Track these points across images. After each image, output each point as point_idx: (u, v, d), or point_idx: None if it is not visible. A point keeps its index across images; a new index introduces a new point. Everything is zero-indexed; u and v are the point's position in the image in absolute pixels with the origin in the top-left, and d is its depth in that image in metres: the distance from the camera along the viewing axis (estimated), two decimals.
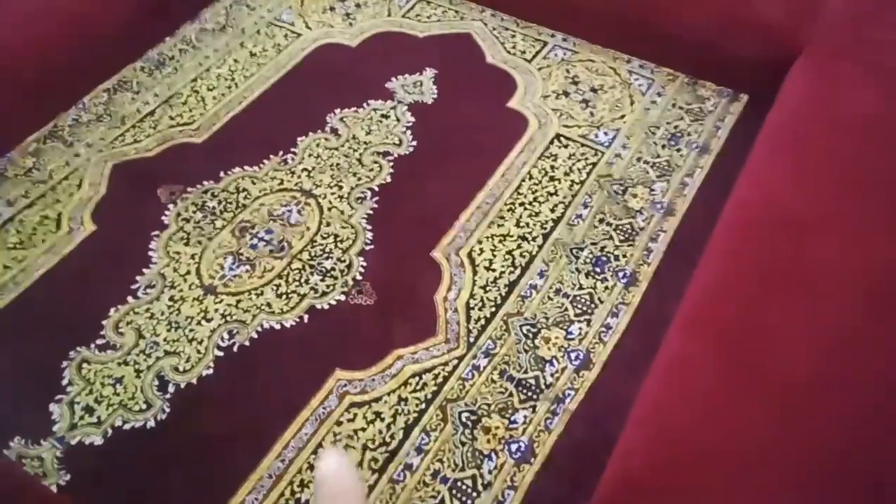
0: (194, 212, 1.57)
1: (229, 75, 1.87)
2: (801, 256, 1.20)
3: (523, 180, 1.62)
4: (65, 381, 1.33)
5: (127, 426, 1.27)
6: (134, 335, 1.38)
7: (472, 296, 1.43)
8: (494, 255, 1.49)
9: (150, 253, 1.51)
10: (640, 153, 1.66)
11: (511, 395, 1.29)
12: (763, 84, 1.69)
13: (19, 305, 1.43)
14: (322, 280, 1.45)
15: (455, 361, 1.34)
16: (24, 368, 1.35)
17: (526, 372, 1.32)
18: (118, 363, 1.35)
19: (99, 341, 1.38)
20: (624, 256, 1.48)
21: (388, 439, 1.25)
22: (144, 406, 1.29)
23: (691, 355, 1.12)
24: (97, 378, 1.33)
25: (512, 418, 1.26)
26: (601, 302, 1.41)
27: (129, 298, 1.44)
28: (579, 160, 1.65)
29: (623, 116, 1.74)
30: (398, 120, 1.75)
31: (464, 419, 1.27)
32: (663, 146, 1.68)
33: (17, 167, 1.67)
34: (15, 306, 1.43)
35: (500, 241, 1.51)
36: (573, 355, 1.34)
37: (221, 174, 1.65)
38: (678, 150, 1.66)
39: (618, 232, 1.52)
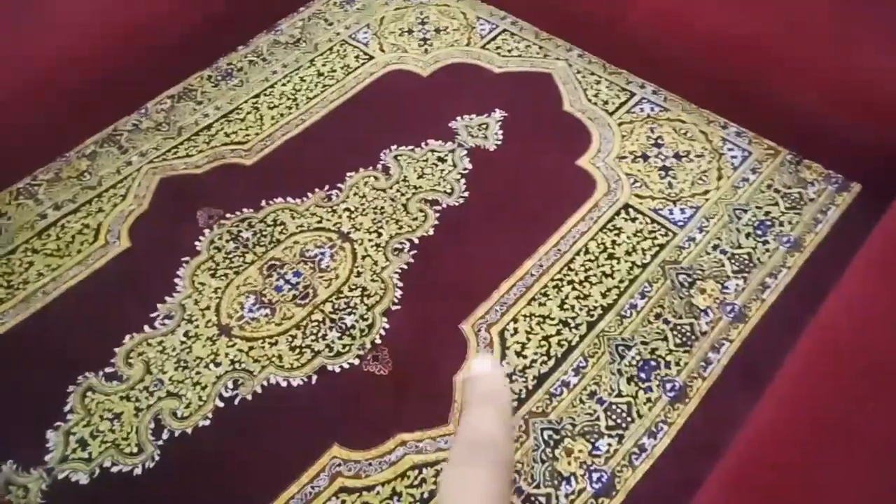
0: (228, 241, 1.51)
1: (292, 94, 1.80)
2: (886, 418, 0.99)
3: (578, 254, 1.45)
4: (67, 408, 1.30)
5: (115, 469, 1.23)
6: (142, 369, 1.34)
7: None
8: (529, 339, 1.34)
9: (176, 280, 1.46)
10: (719, 240, 1.45)
11: None
12: (881, 174, 1.45)
13: (42, 318, 1.42)
14: (340, 338, 1.36)
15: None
16: (34, 387, 1.33)
17: (538, 487, 1.17)
18: (121, 397, 1.31)
19: (108, 369, 1.34)
20: (676, 364, 1.29)
21: None
22: (136, 450, 1.24)
23: None
24: (97, 410, 1.29)
25: None
26: (640, 416, 1.23)
27: (146, 327, 1.40)
28: (646, 239, 1.46)
29: (707, 192, 1.53)
30: (454, 165, 1.62)
31: None
32: (748, 235, 1.45)
33: (72, 169, 1.67)
34: (39, 317, 1.42)
35: (539, 324, 1.36)
36: (595, 476, 1.17)
37: (263, 203, 1.58)
38: (764, 243, 1.44)
39: (675, 333, 1.33)
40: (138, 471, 1.22)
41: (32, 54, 1.59)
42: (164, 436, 1.26)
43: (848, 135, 1.45)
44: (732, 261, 1.42)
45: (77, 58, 1.61)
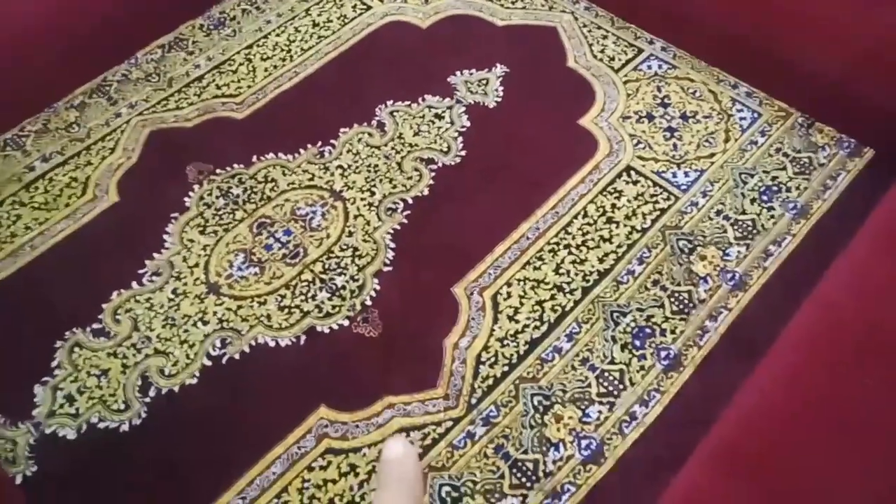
0: (217, 197, 1.48)
1: (286, 45, 1.74)
2: (884, 393, 0.96)
3: (576, 217, 1.41)
4: (54, 363, 1.29)
5: (101, 425, 1.22)
6: (129, 325, 1.32)
7: (485, 347, 1.26)
8: (522, 304, 1.31)
9: (165, 236, 1.43)
10: (722, 205, 1.40)
11: (502, 476, 1.14)
12: None
13: (30, 272, 1.40)
14: (329, 298, 1.33)
15: (449, 423, 1.19)
16: (21, 342, 1.32)
17: (525, 453, 1.16)
18: (108, 353, 1.30)
19: (95, 325, 1.33)
20: (672, 332, 1.26)
21: (357, 499, 1.13)
22: (123, 406, 1.24)
23: (711, 497, 0.92)
24: (85, 366, 1.28)
25: None
26: (632, 384, 1.21)
27: (134, 284, 1.37)
28: (647, 202, 1.42)
29: (712, 155, 1.47)
30: (452, 123, 1.56)
31: (443, 494, 1.13)
32: (752, 200, 1.41)
33: (60, 121, 1.63)
34: (26, 272, 1.40)
35: (533, 288, 1.33)
36: (584, 443, 1.16)
37: (254, 158, 1.54)
38: (769, 209, 1.39)
39: (672, 300, 1.30)
40: (125, 427, 1.22)
41: (21, 2, 1.53)
42: (151, 393, 1.25)
43: (867, 97, 1.39)
44: (735, 227, 1.38)
45: (68, 5, 1.55)
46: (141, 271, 1.39)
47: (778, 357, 1.10)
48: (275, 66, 1.70)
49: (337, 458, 1.17)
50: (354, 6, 1.81)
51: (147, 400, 1.24)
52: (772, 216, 1.38)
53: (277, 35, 1.76)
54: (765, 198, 1.41)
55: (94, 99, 1.67)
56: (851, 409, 0.96)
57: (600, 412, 1.19)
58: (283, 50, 1.73)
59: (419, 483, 0.59)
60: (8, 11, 1.54)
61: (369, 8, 1.80)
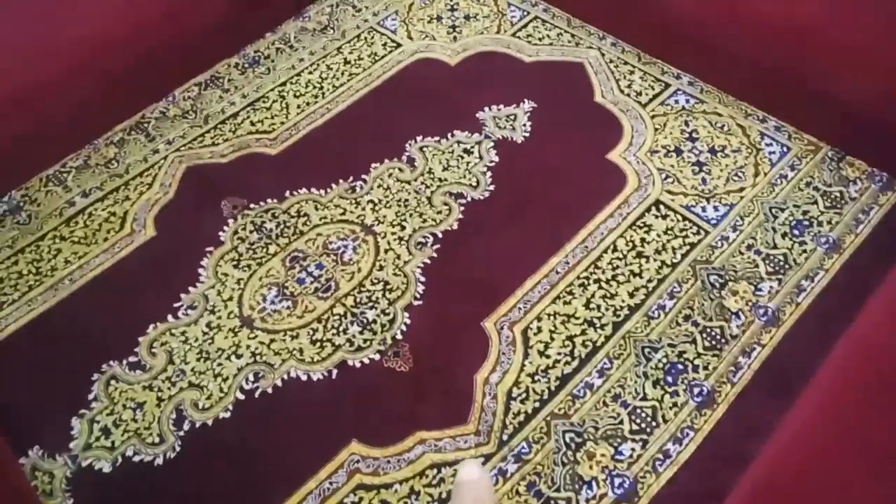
0: (251, 231, 1.51)
1: (318, 83, 1.78)
2: None
3: (605, 251, 1.41)
4: (91, 395, 1.31)
5: (136, 458, 1.24)
6: (165, 358, 1.35)
7: (516, 383, 1.26)
8: (553, 339, 1.31)
9: (200, 270, 1.46)
10: (753, 240, 1.40)
11: None
12: None
13: (69, 305, 1.44)
14: (361, 332, 1.35)
15: (481, 460, 1.19)
16: (59, 374, 1.35)
17: (558, 490, 1.15)
18: (143, 387, 1.32)
19: (131, 358, 1.35)
20: (705, 368, 1.25)
21: None
22: (157, 440, 1.25)
23: None
24: (121, 399, 1.31)
25: None
26: (665, 421, 1.20)
27: (170, 317, 1.40)
28: (676, 237, 1.42)
29: (742, 189, 1.47)
30: (480, 157, 1.59)
31: None
32: (784, 235, 1.40)
33: (100, 157, 1.68)
34: (65, 305, 1.44)
35: (563, 323, 1.33)
36: (617, 482, 1.15)
37: (287, 193, 1.57)
38: (801, 244, 1.38)
39: (704, 336, 1.29)
40: (159, 461, 1.23)
41: (65, 42, 1.58)
42: (186, 426, 1.26)
43: None
44: (767, 262, 1.37)
45: (110, 44, 1.60)
46: (176, 305, 1.42)
47: (815, 395, 1.08)
48: (307, 103, 1.74)
49: (368, 495, 1.17)
50: (385, 44, 1.85)
51: (181, 433, 1.26)
52: (804, 251, 1.37)
53: (310, 73, 1.81)
54: (796, 232, 1.40)
55: (132, 136, 1.72)
56: (891, 448, 0.94)
57: (633, 450, 1.18)
58: (315, 87, 1.77)
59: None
60: (50, 51, 1.59)
61: (399, 46, 1.84)
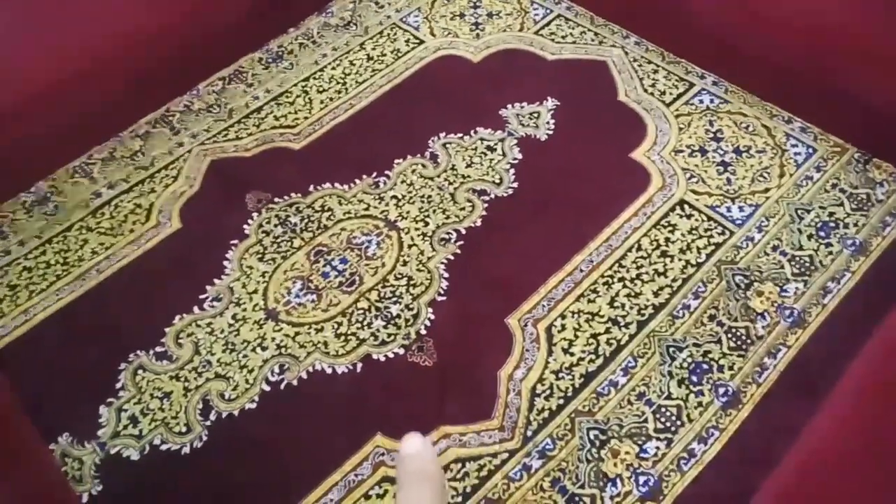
0: (276, 225, 1.52)
1: (342, 78, 1.79)
2: None
3: (630, 250, 1.41)
4: (119, 385, 1.33)
5: (164, 447, 1.25)
6: (191, 349, 1.36)
7: (541, 380, 1.27)
8: (577, 336, 1.31)
9: (225, 263, 1.47)
10: (779, 241, 1.40)
11: None
12: None
13: (96, 295, 1.45)
14: (385, 327, 1.35)
15: (505, 455, 1.19)
16: (87, 363, 1.36)
17: (582, 487, 1.15)
18: (170, 376, 1.33)
19: (158, 349, 1.37)
20: (730, 369, 1.25)
21: None
22: (184, 429, 1.27)
23: None
24: (148, 388, 1.32)
25: None
26: (690, 420, 1.20)
27: (196, 308, 1.41)
28: (701, 237, 1.42)
29: (767, 190, 1.47)
30: (504, 155, 1.59)
31: None
32: (810, 236, 1.40)
33: (125, 149, 1.69)
34: (93, 295, 1.45)
35: (587, 321, 1.33)
36: (642, 479, 1.15)
37: (311, 188, 1.58)
38: (827, 245, 1.38)
39: (729, 336, 1.29)
40: (186, 450, 1.24)
41: (93, 39, 1.59)
42: (212, 416, 1.28)
43: None
44: (792, 263, 1.37)
45: (137, 41, 1.61)
46: (202, 296, 1.43)
47: (842, 397, 1.08)
48: (331, 99, 1.75)
49: (394, 487, 1.18)
50: (407, 41, 1.86)
51: (208, 423, 1.27)
52: (830, 252, 1.37)
53: (333, 68, 1.81)
54: (822, 234, 1.40)
55: (157, 129, 1.73)
56: None
57: (658, 448, 1.18)
58: (338, 83, 1.78)
59: (440, 478, 0.60)
60: (79, 47, 1.61)
61: (422, 42, 1.85)
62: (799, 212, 1.43)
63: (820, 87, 1.49)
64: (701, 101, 1.64)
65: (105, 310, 1.43)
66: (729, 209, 1.45)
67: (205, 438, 1.25)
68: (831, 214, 1.42)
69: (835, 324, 1.29)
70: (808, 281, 1.34)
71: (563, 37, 1.81)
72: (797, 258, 1.37)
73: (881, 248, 1.37)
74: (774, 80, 1.58)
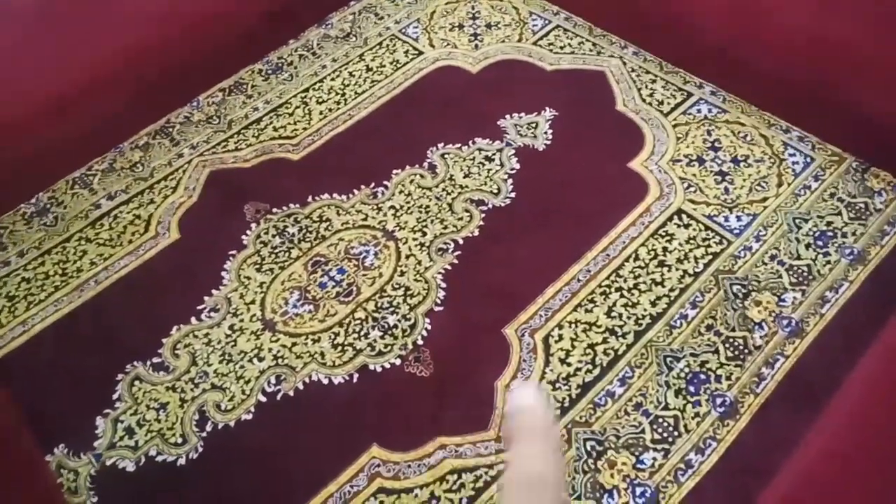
0: (274, 236, 1.52)
1: (341, 89, 1.80)
2: None
3: (627, 260, 1.41)
4: (116, 395, 1.33)
5: (160, 458, 1.25)
6: (188, 360, 1.36)
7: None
8: (574, 346, 1.31)
9: (223, 273, 1.48)
10: (777, 250, 1.39)
11: None
12: None
13: (94, 306, 1.45)
14: (382, 337, 1.35)
15: (501, 466, 1.19)
16: (84, 373, 1.36)
17: (579, 498, 1.14)
18: (167, 387, 1.33)
19: (155, 359, 1.37)
20: (728, 378, 1.24)
21: None
22: (180, 440, 1.26)
23: None
24: (144, 399, 1.32)
25: None
26: (687, 431, 1.20)
27: (193, 319, 1.42)
28: (699, 246, 1.41)
29: (765, 200, 1.47)
30: (502, 165, 1.59)
31: None
32: (807, 245, 1.39)
33: (125, 160, 1.70)
34: (91, 305, 1.46)
35: (584, 331, 1.33)
36: (639, 491, 1.14)
37: (309, 198, 1.58)
38: (825, 255, 1.37)
39: (727, 346, 1.28)
40: (182, 461, 1.24)
41: (94, 52, 1.61)
42: (209, 428, 1.27)
43: None
44: (790, 272, 1.36)
45: (138, 54, 1.63)
46: (200, 307, 1.43)
47: (842, 408, 1.07)
48: (330, 110, 1.76)
49: (389, 499, 1.17)
50: (406, 51, 1.87)
51: (204, 434, 1.27)
52: (828, 262, 1.37)
53: (332, 79, 1.82)
54: (820, 243, 1.39)
55: (157, 140, 1.74)
56: None
57: (655, 459, 1.17)
58: (337, 94, 1.79)
59: (557, 434, 0.55)
60: (80, 61, 1.62)
61: (420, 53, 1.86)
62: (797, 221, 1.43)
63: (818, 97, 1.49)
64: (699, 111, 1.64)
65: (103, 320, 1.44)
66: (727, 218, 1.45)
67: (201, 450, 1.25)
68: (829, 224, 1.42)
69: (833, 333, 1.28)
70: (806, 290, 1.33)
71: (561, 47, 1.82)
72: (795, 267, 1.37)
73: (879, 258, 1.36)
74: (773, 89, 1.58)
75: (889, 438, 0.97)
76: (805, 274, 1.35)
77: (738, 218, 1.45)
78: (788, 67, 1.49)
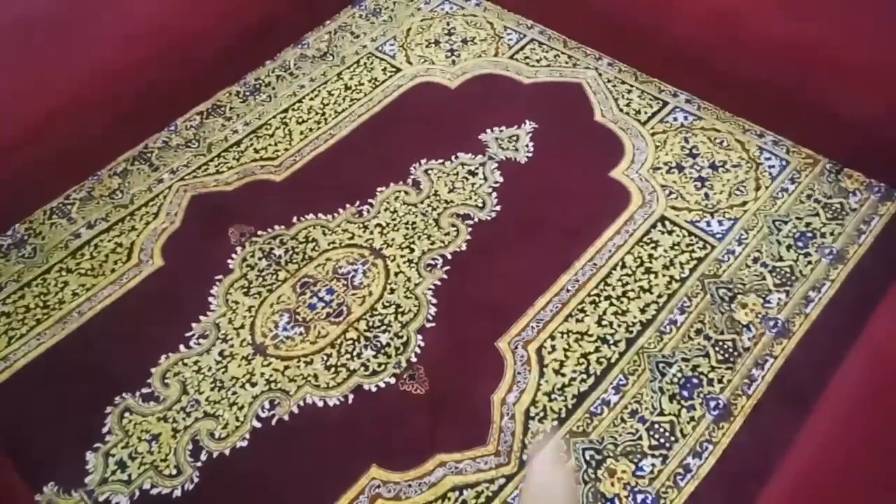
0: (260, 258, 1.51)
1: (320, 109, 1.80)
2: None
3: (614, 268, 1.43)
4: (105, 429, 1.30)
5: (154, 491, 1.22)
6: (178, 389, 1.34)
7: (534, 402, 1.27)
8: (567, 357, 1.32)
9: (210, 299, 1.46)
10: (759, 253, 1.42)
11: None
12: None
13: (79, 338, 1.43)
14: (375, 356, 1.35)
15: (502, 480, 1.19)
16: (72, 408, 1.33)
17: None
18: (158, 418, 1.31)
19: (144, 390, 1.34)
20: (719, 381, 1.26)
21: None
22: (175, 472, 1.24)
23: None
24: (135, 431, 1.29)
25: None
26: (683, 435, 1.21)
27: (181, 347, 1.39)
28: (683, 252, 1.44)
29: (745, 203, 1.50)
30: (485, 179, 1.60)
31: None
32: (788, 247, 1.42)
33: (104, 188, 1.68)
34: (75, 338, 1.43)
35: (577, 341, 1.34)
36: (640, 498, 1.15)
37: (294, 219, 1.57)
38: (806, 255, 1.41)
39: (717, 349, 1.30)
40: (177, 493, 1.22)
41: (68, 77, 1.59)
42: (203, 457, 1.25)
43: None
44: (774, 274, 1.39)
45: (113, 78, 1.62)
46: (188, 334, 1.41)
47: (831, 406, 1.10)
48: (310, 129, 1.75)
49: None
50: (384, 69, 1.87)
51: (199, 464, 1.25)
52: (809, 262, 1.40)
53: (311, 99, 1.82)
54: (800, 244, 1.43)
55: (136, 166, 1.72)
56: None
57: (653, 465, 1.18)
58: (317, 113, 1.79)
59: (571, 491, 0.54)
60: (53, 86, 1.59)
61: (398, 70, 1.86)
62: (776, 223, 1.46)
63: (791, 102, 1.53)
64: (675, 119, 1.67)
65: (88, 353, 1.41)
66: (709, 223, 1.48)
67: (196, 480, 1.23)
68: (808, 224, 1.45)
69: (819, 332, 1.31)
70: (790, 291, 1.36)
71: (537, 60, 1.84)
72: (778, 269, 1.40)
73: (857, 256, 1.40)
74: (746, 95, 1.62)
75: (878, 432, 0.99)
76: (788, 275, 1.38)
77: (720, 222, 1.47)
78: (761, 74, 1.52)
